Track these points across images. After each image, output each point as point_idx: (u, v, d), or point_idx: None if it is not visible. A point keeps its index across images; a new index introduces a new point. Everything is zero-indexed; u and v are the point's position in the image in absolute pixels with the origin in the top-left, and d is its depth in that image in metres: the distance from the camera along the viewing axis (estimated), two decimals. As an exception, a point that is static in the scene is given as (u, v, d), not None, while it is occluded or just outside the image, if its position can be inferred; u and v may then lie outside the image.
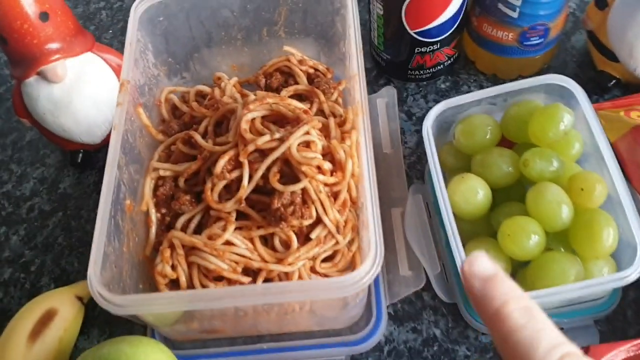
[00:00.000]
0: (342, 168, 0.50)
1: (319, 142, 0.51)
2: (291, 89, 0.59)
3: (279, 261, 0.50)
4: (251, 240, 0.51)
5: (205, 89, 0.60)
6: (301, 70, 0.60)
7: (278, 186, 0.49)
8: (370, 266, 0.44)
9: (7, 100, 0.71)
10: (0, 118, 0.70)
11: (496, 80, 0.66)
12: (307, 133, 0.50)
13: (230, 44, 0.63)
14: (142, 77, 0.57)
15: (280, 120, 0.54)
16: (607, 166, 0.50)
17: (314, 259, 0.51)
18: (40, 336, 0.53)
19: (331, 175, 0.51)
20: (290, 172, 0.50)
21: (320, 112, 0.57)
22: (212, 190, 0.51)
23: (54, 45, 0.57)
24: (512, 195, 0.54)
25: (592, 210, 0.50)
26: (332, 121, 0.54)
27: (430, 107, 0.64)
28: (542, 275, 0.49)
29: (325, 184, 0.50)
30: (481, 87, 0.66)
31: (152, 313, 0.47)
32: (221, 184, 0.50)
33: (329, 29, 0.61)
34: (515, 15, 0.59)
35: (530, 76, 0.64)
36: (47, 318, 0.54)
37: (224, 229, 0.50)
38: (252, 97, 0.55)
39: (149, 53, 0.59)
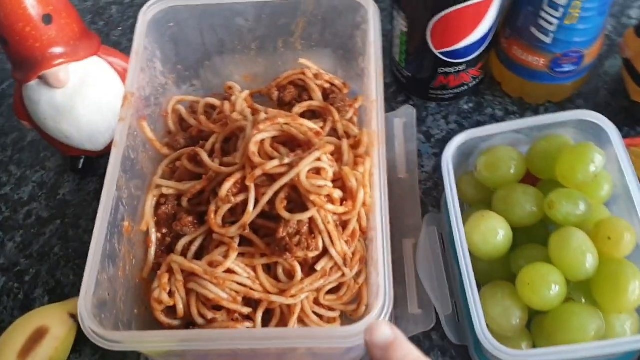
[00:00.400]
0: (353, 197, 0.48)
1: (330, 170, 0.48)
2: (305, 105, 0.56)
3: (281, 292, 0.48)
4: (253, 268, 0.49)
5: (215, 101, 0.58)
6: (316, 84, 0.57)
7: (285, 214, 0.47)
8: (377, 316, 0.41)
9: (9, 97, 0.69)
10: (1, 116, 0.68)
11: (522, 104, 0.63)
12: (318, 159, 0.47)
13: (243, 53, 0.60)
14: (149, 87, 0.54)
15: (290, 142, 0.51)
16: (637, 211, 0.47)
17: (318, 290, 0.49)
18: (30, 355, 0.51)
19: (341, 203, 0.48)
20: (298, 198, 0.48)
21: (334, 131, 0.54)
22: (215, 213, 0.48)
23: (57, 50, 0.54)
24: (534, 235, 0.51)
25: (618, 260, 0.47)
26: (345, 144, 0.51)
27: (451, 130, 0.62)
28: (560, 328, 0.46)
29: (334, 214, 0.48)
30: (506, 111, 0.62)
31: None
32: (225, 208, 0.48)
33: (348, 42, 0.58)
34: (548, 40, 0.55)
35: (560, 102, 0.61)
36: (38, 336, 0.52)
37: (226, 256, 0.48)
38: (262, 115, 0.52)
39: (157, 61, 0.56)
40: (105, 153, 0.60)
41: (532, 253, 0.49)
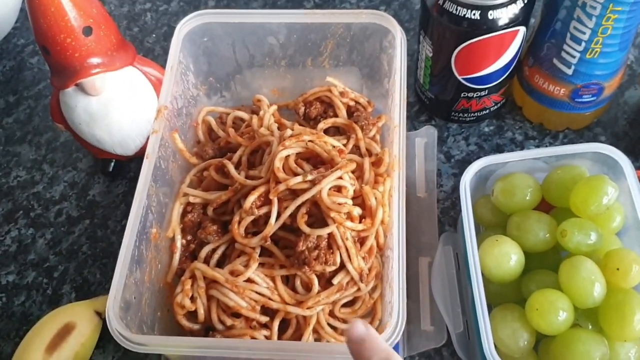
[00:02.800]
0: (372, 215, 0.50)
1: (350, 188, 0.50)
2: (329, 122, 0.58)
3: (299, 303, 0.50)
4: (272, 278, 0.51)
5: (244, 115, 0.60)
6: (342, 102, 0.59)
7: (305, 229, 0.49)
8: (389, 335, 0.43)
9: (45, 97, 0.71)
10: (37, 115, 0.70)
11: (542, 130, 0.64)
12: (340, 177, 0.50)
13: (273, 69, 0.62)
14: (181, 98, 0.56)
15: (314, 158, 0.53)
16: (648, 242, 0.49)
17: (334, 303, 0.51)
18: (57, 349, 0.53)
19: (360, 221, 0.50)
20: (318, 213, 0.50)
21: (356, 148, 0.56)
22: (239, 224, 0.51)
23: (95, 60, 0.56)
24: (545, 260, 0.52)
25: (625, 290, 0.48)
26: (367, 162, 0.53)
27: (471, 151, 0.63)
28: (566, 353, 0.47)
29: (353, 231, 0.50)
30: (526, 135, 0.64)
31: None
32: (249, 219, 0.50)
33: (375, 64, 0.60)
34: (569, 72, 0.57)
35: (579, 130, 0.62)
36: (65, 332, 0.54)
37: (247, 266, 0.50)
38: (288, 132, 0.54)
39: (190, 73, 0.58)
40: (135, 157, 0.62)
41: (543, 278, 0.51)
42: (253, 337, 0.49)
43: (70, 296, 0.59)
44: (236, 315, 0.50)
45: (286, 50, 0.60)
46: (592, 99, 0.59)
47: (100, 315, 0.56)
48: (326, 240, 0.49)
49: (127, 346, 0.43)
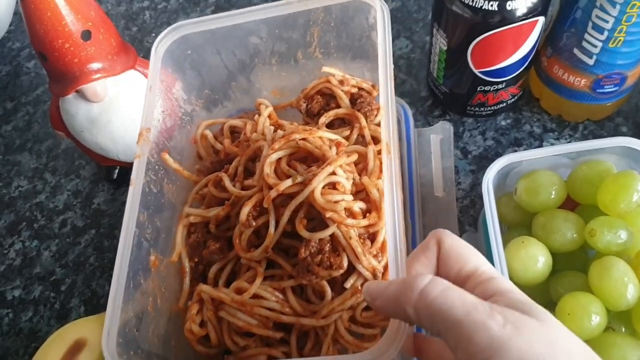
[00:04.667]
0: (378, 208, 0.46)
1: (346, 183, 0.46)
2: (330, 114, 0.54)
3: (312, 314, 0.47)
4: (283, 291, 0.47)
5: (238, 123, 0.56)
6: (343, 90, 0.56)
7: (305, 233, 0.46)
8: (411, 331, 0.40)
9: (44, 102, 0.69)
10: (37, 122, 0.68)
11: (561, 122, 0.62)
12: (333, 173, 0.46)
13: (265, 70, 0.59)
14: (170, 118, 0.53)
15: (311, 157, 0.49)
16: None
17: (354, 308, 0.47)
18: (68, 367, 0.52)
19: (364, 216, 0.46)
20: (318, 215, 0.46)
21: (362, 137, 0.53)
22: (239, 238, 0.48)
23: (95, 65, 0.54)
24: (573, 261, 0.50)
25: (660, 291, 0.46)
26: (370, 151, 0.49)
27: (488, 146, 0.61)
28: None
29: (358, 227, 0.46)
30: (544, 128, 0.62)
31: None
32: (248, 232, 0.47)
33: (366, 45, 0.56)
34: (591, 62, 0.54)
35: (599, 121, 0.60)
36: (76, 349, 0.52)
37: (253, 281, 0.47)
38: (279, 133, 0.51)
39: (179, 90, 0.55)
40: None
41: (572, 280, 0.48)
42: (270, 355, 0.47)
43: (79, 310, 0.57)
44: (249, 334, 0.48)
45: (272, 47, 0.57)
46: (614, 89, 0.57)
47: (111, 330, 0.54)
48: (329, 243, 0.46)
49: None
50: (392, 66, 0.48)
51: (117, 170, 0.62)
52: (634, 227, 0.48)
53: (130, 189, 0.47)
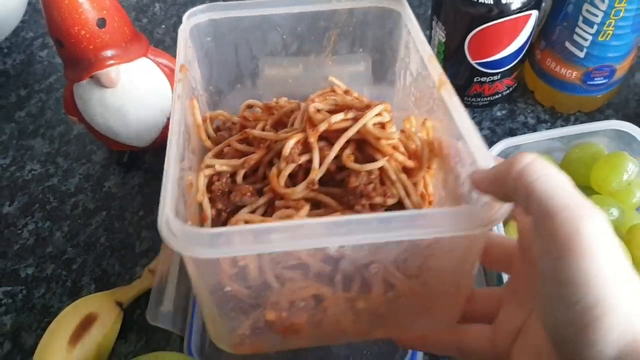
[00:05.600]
0: (418, 157, 0.44)
1: (394, 124, 0.45)
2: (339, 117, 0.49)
3: None
4: None
5: (256, 102, 0.55)
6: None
7: (354, 165, 0.43)
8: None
9: (57, 90, 0.71)
10: (49, 109, 0.70)
11: (554, 113, 0.64)
12: (380, 114, 0.44)
13: (273, 75, 0.57)
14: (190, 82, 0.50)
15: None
16: (667, 218, 0.49)
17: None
18: (80, 340, 0.54)
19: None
20: (362, 159, 0.44)
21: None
22: (278, 176, 0.44)
23: (109, 52, 0.56)
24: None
25: (652, 265, 0.49)
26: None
27: (485, 135, 0.64)
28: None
29: (404, 168, 0.43)
30: (538, 119, 0.64)
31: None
32: (289, 168, 0.44)
33: (381, 50, 0.56)
34: (581, 55, 0.57)
35: (590, 112, 0.63)
36: (87, 323, 0.55)
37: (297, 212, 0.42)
38: (315, 93, 0.50)
39: (194, 71, 0.52)
40: (150, 148, 0.63)
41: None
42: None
43: (89, 288, 0.59)
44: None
45: (289, 46, 0.56)
46: (603, 81, 0.59)
47: (121, 305, 0.57)
48: (378, 177, 0.43)
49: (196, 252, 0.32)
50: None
51: (127, 155, 0.64)
52: (625, 205, 0.51)
53: (178, 101, 0.43)
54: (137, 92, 0.59)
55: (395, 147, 0.43)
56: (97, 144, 0.67)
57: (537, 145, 0.55)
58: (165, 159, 0.38)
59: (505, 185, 0.30)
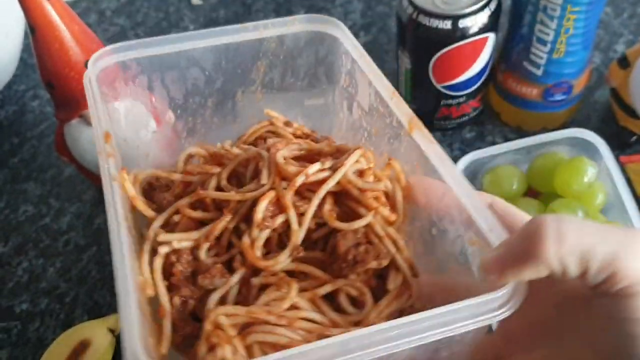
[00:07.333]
0: (394, 205, 0.40)
1: (374, 170, 0.41)
2: (294, 148, 0.43)
3: (356, 324, 0.37)
4: (314, 302, 0.37)
5: (199, 150, 0.47)
6: (289, 132, 0.49)
7: (340, 225, 0.38)
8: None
9: (47, 136, 0.75)
10: (41, 154, 0.73)
11: (521, 132, 0.68)
12: (357, 161, 0.40)
13: (197, 115, 0.53)
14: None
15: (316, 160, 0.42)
16: (630, 217, 0.52)
17: (400, 314, 0.38)
18: (73, 367, 0.55)
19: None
20: (341, 212, 0.40)
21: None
22: (252, 247, 0.38)
23: (97, 90, 0.60)
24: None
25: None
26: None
27: (455, 156, 0.67)
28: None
29: (389, 222, 0.39)
30: (506, 138, 0.68)
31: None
32: (264, 236, 0.39)
33: (314, 80, 0.52)
34: (539, 72, 0.61)
35: (555, 129, 0.66)
36: (81, 349, 0.56)
37: (284, 292, 0.37)
38: (273, 139, 0.45)
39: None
40: (139, 184, 0.65)
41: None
42: None
43: (82, 319, 0.61)
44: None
45: (213, 85, 0.51)
46: (563, 97, 0.63)
47: (114, 332, 0.58)
48: (364, 235, 0.39)
49: None
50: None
51: (116, 192, 0.67)
52: (588, 206, 0.54)
53: (112, 185, 0.40)
54: (124, 129, 0.62)
55: (377, 198, 0.40)
56: (87, 184, 0.70)
57: (503, 157, 0.58)
58: (116, 264, 0.35)
59: (544, 263, 0.28)
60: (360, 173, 0.40)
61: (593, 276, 0.28)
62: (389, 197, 0.41)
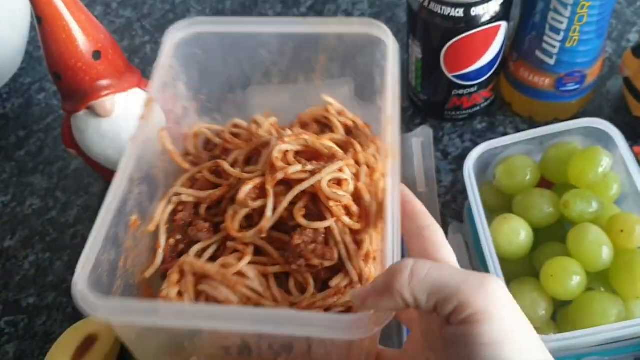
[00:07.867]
0: (367, 215, 0.46)
1: (351, 182, 0.46)
2: (327, 137, 0.52)
3: (292, 305, 0.45)
4: (266, 278, 0.46)
5: (242, 122, 0.56)
6: (340, 121, 0.55)
7: (302, 221, 0.45)
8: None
9: (54, 129, 0.74)
10: (47, 147, 0.72)
11: (532, 123, 0.67)
12: (341, 170, 0.46)
13: (263, 89, 0.58)
14: (169, 103, 0.53)
15: (315, 158, 0.49)
16: (646, 207, 0.51)
17: (328, 309, 0.45)
18: (81, 360, 0.54)
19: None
20: (315, 210, 0.46)
21: (355, 162, 0.50)
22: (232, 218, 0.47)
23: (104, 82, 0.59)
24: (552, 234, 0.55)
25: (632, 250, 0.51)
26: (363, 170, 0.49)
27: (466, 147, 0.66)
28: (583, 314, 0.49)
29: (351, 230, 0.45)
30: (517, 129, 0.67)
31: (132, 330, 0.44)
32: (243, 212, 0.47)
33: (367, 79, 0.55)
34: (552, 62, 0.60)
35: (566, 119, 0.65)
36: (89, 343, 0.55)
37: (240, 260, 0.45)
38: (288, 132, 0.51)
39: (181, 84, 0.55)
40: (146, 177, 0.65)
41: (553, 250, 0.53)
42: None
43: (90, 313, 0.60)
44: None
45: (279, 65, 0.56)
46: (576, 87, 0.63)
47: (122, 326, 0.57)
48: (323, 236, 0.45)
49: (86, 309, 0.38)
50: (400, 86, 0.49)
51: (124, 185, 0.66)
52: (602, 197, 0.53)
53: (130, 143, 0.46)
54: (131, 121, 0.61)
55: (347, 207, 0.45)
56: (94, 177, 0.69)
57: (516, 148, 0.57)
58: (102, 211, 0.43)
59: (399, 294, 0.33)
60: (338, 182, 0.46)
61: (442, 307, 0.33)
62: (362, 207, 0.46)
